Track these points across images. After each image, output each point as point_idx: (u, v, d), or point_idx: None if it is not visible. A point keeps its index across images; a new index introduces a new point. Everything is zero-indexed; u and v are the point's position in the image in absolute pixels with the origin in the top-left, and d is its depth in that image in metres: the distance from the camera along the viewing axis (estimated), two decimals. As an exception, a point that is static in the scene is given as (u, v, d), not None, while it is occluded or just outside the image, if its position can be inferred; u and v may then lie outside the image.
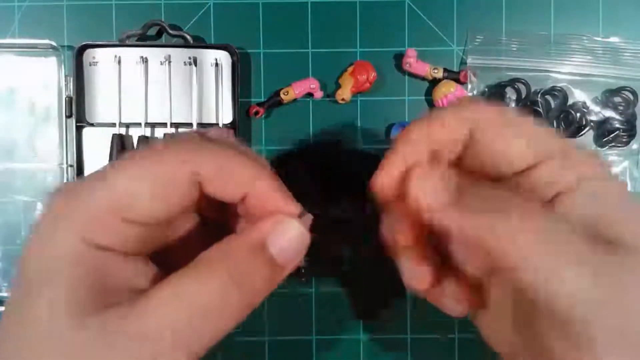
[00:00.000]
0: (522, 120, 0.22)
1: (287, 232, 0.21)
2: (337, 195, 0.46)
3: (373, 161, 0.46)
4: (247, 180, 0.21)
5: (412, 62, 0.44)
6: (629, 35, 0.45)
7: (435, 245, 0.24)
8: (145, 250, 0.21)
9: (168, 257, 0.22)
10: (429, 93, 0.46)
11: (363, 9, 0.46)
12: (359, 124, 0.46)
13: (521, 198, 0.20)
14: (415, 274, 0.23)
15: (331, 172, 0.46)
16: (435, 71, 0.45)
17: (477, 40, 0.45)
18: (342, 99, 0.45)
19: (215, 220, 0.24)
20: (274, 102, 0.45)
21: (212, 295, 0.18)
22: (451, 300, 0.23)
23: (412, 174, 0.21)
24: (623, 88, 0.45)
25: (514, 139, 0.21)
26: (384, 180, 0.22)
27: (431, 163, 0.22)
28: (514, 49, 0.45)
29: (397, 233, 0.23)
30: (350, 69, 0.45)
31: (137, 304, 0.18)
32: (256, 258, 0.20)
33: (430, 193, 0.20)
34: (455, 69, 0.46)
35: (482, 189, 0.20)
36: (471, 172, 0.22)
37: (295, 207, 0.22)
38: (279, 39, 0.46)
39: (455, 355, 0.46)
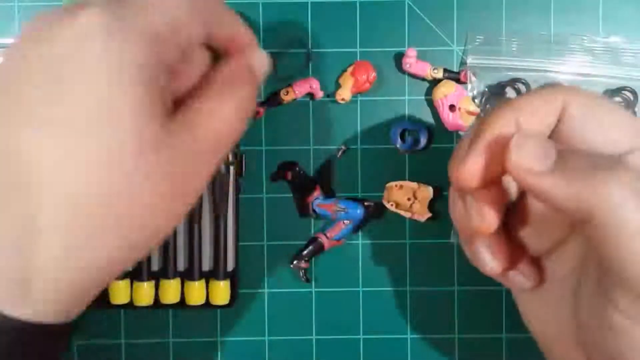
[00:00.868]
0: (615, 108, 0.21)
1: (262, 55, 0.29)
2: (337, 195, 0.46)
3: (373, 161, 0.46)
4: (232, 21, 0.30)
5: (412, 62, 0.44)
6: (629, 35, 0.45)
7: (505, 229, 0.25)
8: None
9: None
10: (429, 93, 0.46)
11: (363, 9, 0.46)
12: (359, 124, 0.46)
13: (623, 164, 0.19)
14: (496, 258, 0.25)
15: (331, 172, 0.46)
16: (435, 71, 0.45)
17: (477, 40, 0.45)
18: (342, 99, 0.45)
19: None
20: (274, 102, 0.45)
21: (232, 109, 0.25)
22: (521, 278, 0.25)
23: (512, 143, 0.20)
24: (623, 88, 0.45)
25: (610, 127, 0.21)
26: (471, 168, 0.22)
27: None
28: (514, 49, 0.45)
29: (479, 221, 0.23)
30: (350, 69, 0.45)
31: (188, 115, 0.23)
32: (251, 75, 0.27)
33: (534, 158, 0.20)
34: (455, 69, 0.46)
35: (581, 154, 0.20)
36: None
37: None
38: (279, 39, 0.46)
39: (455, 356, 0.46)
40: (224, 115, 0.24)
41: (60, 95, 0.20)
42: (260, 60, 0.28)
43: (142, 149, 0.20)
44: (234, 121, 0.24)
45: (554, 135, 0.22)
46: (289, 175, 0.45)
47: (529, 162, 0.20)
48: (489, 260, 0.25)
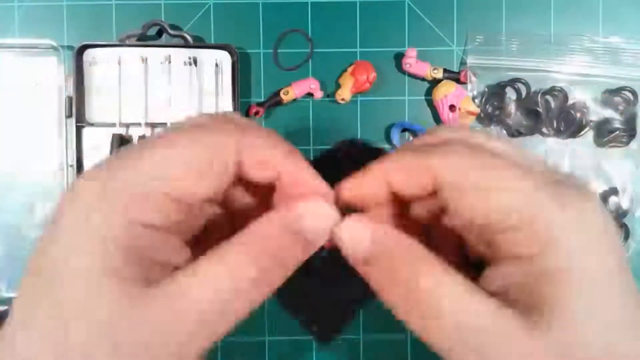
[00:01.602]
0: (483, 171, 0.19)
1: (318, 211, 0.21)
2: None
3: (373, 161, 0.46)
4: (280, 160, 0.21)
5: (412, 62, 0.44)
6: (629, 35, 0.45)
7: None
8: (180, 233, 0.21)
9: (199, 243, 0.22)
10: (429, 93, 0.46)
11: (363, 9, 0.46)
12: (359, 124, 0.46)
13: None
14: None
15: (331, 172, 0.46)
16: (435, 71, 0.45)
17: (477, 40, 0.45)
18: (342, 99, 0.45)
19: (237, 210, 0.24)
20: (274, 102, 0.45)
21: (241, 274, 0.19)
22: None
23: (334, 232, 0.22)
24: (623, 88, 0.45)
25: (470, 204, 0.19)
26: (348, 195, 0.23)
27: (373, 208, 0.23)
28: (514, 49, 0.45)
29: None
30: (350, 69, 0.45)
31: (175, 282, 0.19)
32: (289, 235, 0.20)
33: (351, 244, 0.21)
34: (455, 69, 0.46)
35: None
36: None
37: (325, 186, 0.23)
38: (279, 39, 0.46)
39: (455, 355, 0.46)
40: (218, 286, 0.19)
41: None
42: (317, 218, 0.21)
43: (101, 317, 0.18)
44: (230, 298, 0.19)
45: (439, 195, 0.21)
46: None
47: (348, 249, 0.21)
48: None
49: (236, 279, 0.19)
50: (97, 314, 0.18)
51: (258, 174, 0.21)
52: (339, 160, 0.44)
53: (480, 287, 0.19)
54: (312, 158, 0.46)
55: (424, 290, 0.19)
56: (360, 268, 0.22)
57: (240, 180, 0.22)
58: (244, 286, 0.19)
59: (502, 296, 0.19)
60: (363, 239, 0.21)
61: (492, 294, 0.18)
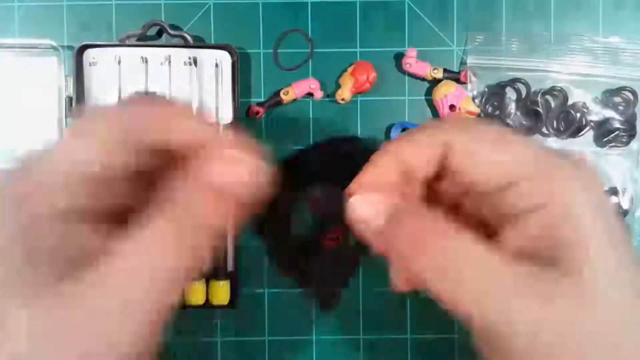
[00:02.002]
0: (497, 139, 0.21)
1: (234, 157, 0.20)
2: (337, 194, 0.46)
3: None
4: (205, 127, 0.21)
5: (412, 62, 0.44)
6: (629, 35, 0.45)
7: None
8: (95, 214, 0.20)
9: (117, 218, 0.21)
10: (429, 93, 0.46)
11: (363, 9, 0.46)
12: (359, 124, 0.46)
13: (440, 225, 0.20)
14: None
15: (331, 172, 0.46)
16: (435, 71, 0.45)
17: (477, 40, 0.45)
18: (342, 99, 0.45)
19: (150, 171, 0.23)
20: (274, 102, 0.45)
21: (165, 255, 0.18)
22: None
23: (349, 206, 0.23)
24: (623, 88, 0.45)
25: (485, 163, 0.21)
26: (358, 202, 0.23)
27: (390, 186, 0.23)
28: (514, 49, 0.45)
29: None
30: (350, 69, 0.45)
31: (89, 275, 0.18)
32: (204, 193, 0.19)
33: (367, 216, 0.22)
34: (455, 69, 0.46)
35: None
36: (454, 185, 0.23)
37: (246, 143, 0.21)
38: (279, 39, 0.46)
39: (455, 355, 0.46)
40: (139, 260, 0.18)
41: None
42: (231, 167, 0.20)
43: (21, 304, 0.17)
44: (159, 269, 0.18)
45: (445, 165, 0.22)
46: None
47: (364, 219, 0.22)
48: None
49: (144, 275, 0.18)
50: (9, 327, 0.17)
51: (183, 138, 0.20)
52: (315, 160, 0.45)
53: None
54: (312, 158, 0.46)
55: (440, 254, 0.19)
56: (376, 241, 0.22)
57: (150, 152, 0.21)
58: (157, 279, 0.18)
59: (520, 256, 0.19)
60: (377, 211, 0.22)
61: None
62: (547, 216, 0.19)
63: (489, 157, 0.21)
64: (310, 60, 0.46)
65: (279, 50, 0.46)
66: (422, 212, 0.21)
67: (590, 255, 0.18)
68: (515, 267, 0.19)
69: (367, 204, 0.22)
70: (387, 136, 0.45)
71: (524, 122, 0.46)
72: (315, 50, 0.46)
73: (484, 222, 0.22)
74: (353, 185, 0.24)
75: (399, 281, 0.24)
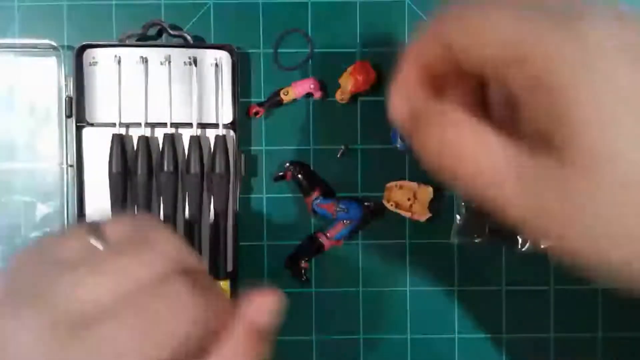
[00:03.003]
0: (494, 21, 0.21)
1: (267, 303, 0.27)
2: (337, 194, 0.46)
3: (373, 161, 0.46)
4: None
5: (412, 62, 0.44)
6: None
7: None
8: None
9: None
10: (429, 93, 0.46)
11: (363, 9, 0.46)
12: (358, 124, 0.46)
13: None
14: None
15: (331, 172, 0.46)
16: (435, 71, 0.45)
17: (477, 40, 0.45)
18: (342, 99, 0.45)
19: None
20: (274, 102, 0.45)
21: None
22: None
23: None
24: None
25: (483, 48, 0.21)
26: (396, 107, 0.24)
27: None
28: (514, 49, 0.45)
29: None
30: (350, 69, 0.45)
31: None
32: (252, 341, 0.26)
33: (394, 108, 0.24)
34: (455, 69, 0.46)
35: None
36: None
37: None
38: (280, 39, 0.46)
39: (455, 355, 0.46)
40: None
41: None
42: (264, 306, 0.27)
43: None
44: None
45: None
46: (289, 175, 0.45)
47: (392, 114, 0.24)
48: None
49: None
50: None
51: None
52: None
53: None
54: (311, 159, 0.47)
55: (452, 142, 0.20)
56: (405, 129, 0.23)
57: None
58: None
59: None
60: (404, 101, 0.24)
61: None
62: (531, 69, 0.19)
63: (486, 44, 0.21)
64: (310, 60, 0.46)
65: (279, 50, 0.46)
66: (439, 108, 0.22)
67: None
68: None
69: (396, 95, 0.24)
70: (387, 136, 0.45)
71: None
72: (315, 50, 0.46)
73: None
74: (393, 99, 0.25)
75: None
